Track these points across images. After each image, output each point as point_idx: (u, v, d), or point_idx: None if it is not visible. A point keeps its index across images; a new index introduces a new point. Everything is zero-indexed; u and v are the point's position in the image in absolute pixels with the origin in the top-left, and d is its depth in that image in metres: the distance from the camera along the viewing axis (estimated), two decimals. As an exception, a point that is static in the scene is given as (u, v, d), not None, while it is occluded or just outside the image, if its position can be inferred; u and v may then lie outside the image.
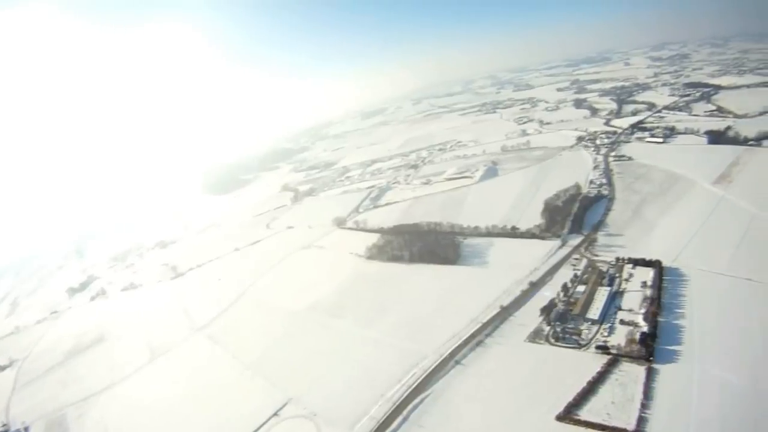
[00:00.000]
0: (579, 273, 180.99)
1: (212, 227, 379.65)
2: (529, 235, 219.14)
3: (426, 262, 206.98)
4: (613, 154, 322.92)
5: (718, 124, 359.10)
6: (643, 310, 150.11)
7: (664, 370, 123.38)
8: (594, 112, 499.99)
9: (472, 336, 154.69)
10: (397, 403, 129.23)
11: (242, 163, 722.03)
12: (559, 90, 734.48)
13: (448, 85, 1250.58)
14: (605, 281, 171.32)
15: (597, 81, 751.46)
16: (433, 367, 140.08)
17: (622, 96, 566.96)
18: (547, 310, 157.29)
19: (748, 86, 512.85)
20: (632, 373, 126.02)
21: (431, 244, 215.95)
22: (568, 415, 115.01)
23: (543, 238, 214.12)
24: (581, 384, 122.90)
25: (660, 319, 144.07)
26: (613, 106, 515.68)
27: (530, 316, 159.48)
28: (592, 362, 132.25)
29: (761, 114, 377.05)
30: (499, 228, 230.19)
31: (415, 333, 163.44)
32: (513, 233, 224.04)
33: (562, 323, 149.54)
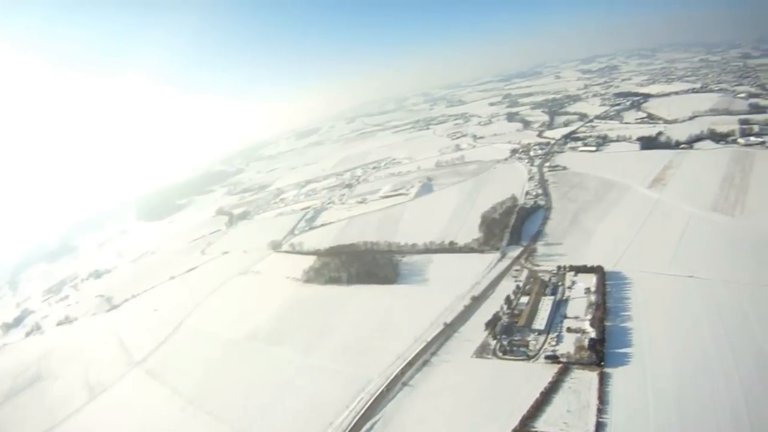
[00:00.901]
0: (521, 284, 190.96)
1: (147, 255, 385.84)
2: (467, 249, 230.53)
3: (365, 282, 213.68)
4: (547, 164, 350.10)
5: (649, 130, 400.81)
6: (589, 317, 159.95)
7: (616, 373, 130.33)
8: (527, 124, 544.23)
9: (418, 356, 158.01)
10: (347, 431, 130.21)
11: (176, 187, 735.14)
12: (491, 104, 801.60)
13: (382, 103, 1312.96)
14: (548, 291, 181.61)
15: (529, 94, 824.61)
16: (380, 390, 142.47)
17: (554, 108, 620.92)
18: (492, 324, 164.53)
19: (677, 93, 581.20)
20: (585, 379, 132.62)
21: (369, 264, 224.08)
22: (524, 428, 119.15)
23: (482, 252, 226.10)
24: (534, 395, 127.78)
25: (607, 323, 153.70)
26: (546, 118, 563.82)
27: (475, 331, 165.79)
28: (542, 373, 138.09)
29: (691, 118, 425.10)
30: (437, 244, 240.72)
31: (359, 357, 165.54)
32: (451, 248, 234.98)
33: (509, 336, 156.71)
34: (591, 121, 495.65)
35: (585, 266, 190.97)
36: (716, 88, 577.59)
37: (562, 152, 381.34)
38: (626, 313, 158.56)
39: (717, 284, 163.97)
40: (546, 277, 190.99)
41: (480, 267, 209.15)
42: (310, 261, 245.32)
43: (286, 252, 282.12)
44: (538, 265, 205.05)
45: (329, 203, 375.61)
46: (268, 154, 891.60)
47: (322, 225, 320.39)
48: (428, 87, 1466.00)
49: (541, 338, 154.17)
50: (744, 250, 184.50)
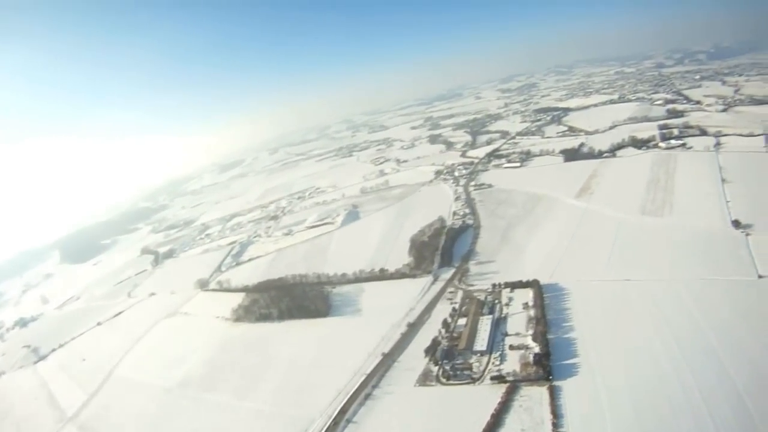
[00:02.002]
0: (457, 306, 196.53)
1: (73, 300, 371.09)
2: (399, 275, 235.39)
3: (296, 317, 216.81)
4: (472, 183, 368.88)
5: (571, 142, 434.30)
6: (530, 332, 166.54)
7: (566, 385, 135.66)
8: (449, 145, 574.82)
9: (359, 389, 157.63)
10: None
11: (100, 226, 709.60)
12: (413, 128, 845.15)
13: (304, 132, 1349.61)
14: (486, 310, 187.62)
15: (450, 116, 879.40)
16: (323, 430, 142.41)
17: (476, 128, 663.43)
18: (431, 350, 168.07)
19: (595, 105, 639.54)
20: (535, 396, 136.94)
21: (299, 298, 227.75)
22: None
23: (414, 277, 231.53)
24: (485, 419, 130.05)
25: (549, 336, 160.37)
26: (468, 138, 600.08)
27: (415, 359, 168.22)
28: (490, 394, 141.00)
29: (611, 128, 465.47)
30: (367, 272, 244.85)
31: (297, 396, 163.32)
32: (382, 276, 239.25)
33: (450, 360, 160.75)
34: (513, 138, 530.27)
35: (520, 281, 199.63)
36: (633, 98, 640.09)
37: (486, 170, 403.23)
38: (568, 324, 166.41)
39: (654, 284, 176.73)
40: (482, 297, 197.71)
41: (413, 292, 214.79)
42: (239, 298, 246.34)
43: (214, 290, 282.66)
44: (472, 285, 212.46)
45: (255, 237, 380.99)
46: (192, 189, 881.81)
47: (249, 260, 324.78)
48: (350, 114, 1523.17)
49: (484, 359, 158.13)
50: (676, 248, 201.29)
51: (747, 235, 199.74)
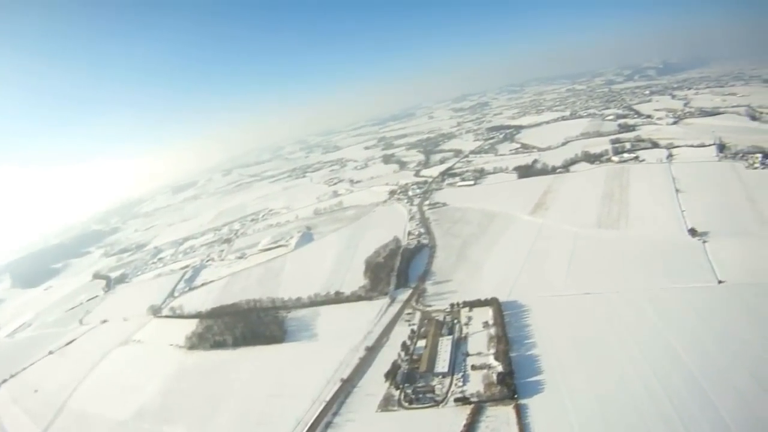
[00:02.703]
0: (416, 328, 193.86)
1: (24, 327, 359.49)
2: (355, 298, 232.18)
3: (251, 344, 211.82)
4: (427, 202, 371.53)
5: (524, 159, 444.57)
6: (492, 351, 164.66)
7: (532, 403, 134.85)
8: (403, 165, 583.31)
9: (319, 418, 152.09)
10: None
11: (51, 250, 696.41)
12: (366, 148, 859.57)
13: (258, 153, 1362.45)
14: (445, 331, 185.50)
15: (403, 136, 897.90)
16: None
17: (429, 147, 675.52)
18: (392, 374, 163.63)
19: (547, 122, 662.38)
20: (501, 416, 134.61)
21: (254, 324, 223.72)
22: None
23: (370, 299, 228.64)
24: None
25: (512, 354, 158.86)
26: (422, 157, 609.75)
27: (376, 384, 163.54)
28: (454, 417, 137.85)
29: (564, 144, 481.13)
30: (322, 296, 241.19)
31: (256, 428, 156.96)
32: (338, 299, 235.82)
33: (412, 384, 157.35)
34: (466, 156, 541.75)
35: (479, 300, 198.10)
36: (585, 114, 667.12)
37: (440, 189, 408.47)
38: (530, 341, 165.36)
39: (614, 296, 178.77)
40: (441, 317, 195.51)
41: (370, 315, 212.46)
42: (192, 325, 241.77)
43: (167, 317, 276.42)
44: (430, 306, 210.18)
45: (208, 260, 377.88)
46: (144, 211, 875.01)
47: (203, 284, 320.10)
48: (304, 135, 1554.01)
49: (447, 381, 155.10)
50: (634, 259, 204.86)
51: (704, 242, 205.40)
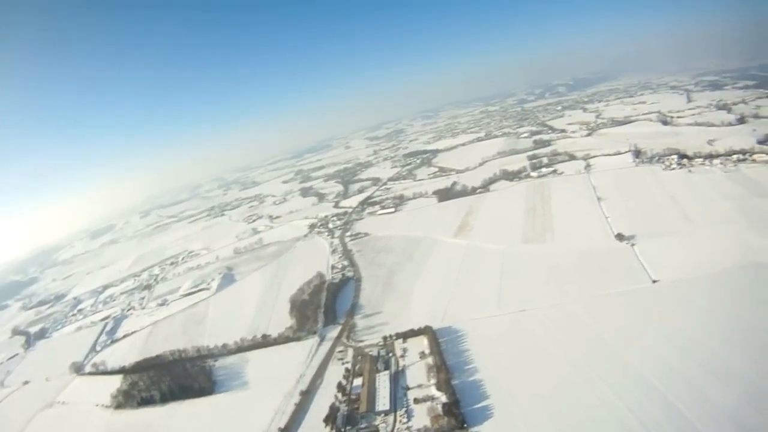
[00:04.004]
0: (350, 366, 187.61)
1: None
2: (283, 339, 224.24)
3: (180, 398, 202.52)
4: (348, 234, 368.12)
5: (444, 182, 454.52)
6: (433, 381, 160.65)
7: (484, 430, 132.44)
8: (322, 197, 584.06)
9: None
10: None
11: None
12: (284, 182, 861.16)
13: (176, 193, 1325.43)
14: (381, 366, 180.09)
15: (321, 167, 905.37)
16: None
17: (347, 177, 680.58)
18: (331, 418, 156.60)
19: (463, 144, 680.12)
20: None
21: (181, 377, 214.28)
22: None
23: (299, 339, 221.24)
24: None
25: (454, 382, 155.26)
26: (340, 188, 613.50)
27: (316, 431, 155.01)
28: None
29: (481, 164, 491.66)
30: (249, 340, 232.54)
31: None
32: (265, 342, 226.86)
33: (354, 426, 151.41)
34: (385, 184, 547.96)
35: (412, 330, 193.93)
36: (500, 134, 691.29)
37: (361, 219, 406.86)
38: (471, 366, 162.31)
39: (550, 310, 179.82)
40: (374, 352, 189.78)
41: (301, 356, 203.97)
42: (117, 382, 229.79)
43: (91, 374, 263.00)
44: (362, 341, 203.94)
45: (129, 310, 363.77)
46: (62, 259, 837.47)
47: (125, 336, 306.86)
48: (221, 171, 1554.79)
49: (390, 419, 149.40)
50: (565, 271, 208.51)
51: (632, 245, 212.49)
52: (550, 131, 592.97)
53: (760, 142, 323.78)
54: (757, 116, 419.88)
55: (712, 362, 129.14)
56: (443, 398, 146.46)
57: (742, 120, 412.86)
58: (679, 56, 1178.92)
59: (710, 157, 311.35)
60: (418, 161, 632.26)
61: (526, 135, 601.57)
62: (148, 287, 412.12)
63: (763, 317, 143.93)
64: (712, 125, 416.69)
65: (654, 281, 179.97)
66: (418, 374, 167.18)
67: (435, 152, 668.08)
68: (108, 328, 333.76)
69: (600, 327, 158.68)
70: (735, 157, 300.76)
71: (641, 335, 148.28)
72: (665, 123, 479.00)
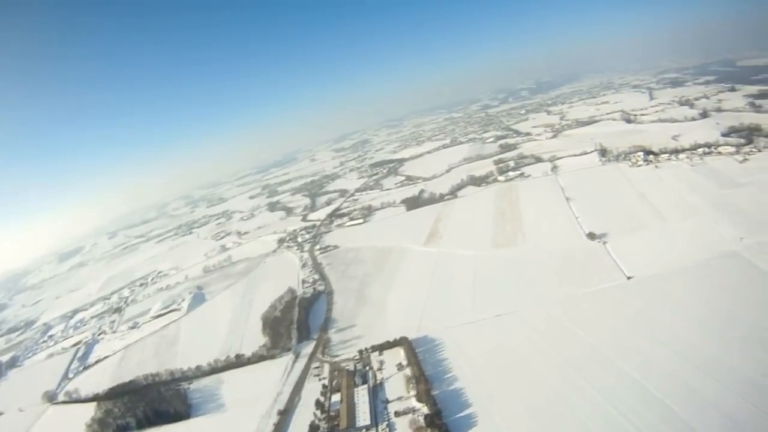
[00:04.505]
0: (327, 382, 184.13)
1: None
2: (257, 358, 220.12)
3: (157, 424, 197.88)
4: (318, 247, 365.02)
5: (411, 190, 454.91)
6: (413, 392, 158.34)
7: None
8: (289, 211, 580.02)
9: None
10: None
11: None
12: (251, 197, 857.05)
13: (143, 212, 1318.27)
14: (359, 380, 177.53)
15: (287, 181, 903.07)
16: None
17: (314, 190, 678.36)
18: None
19: (429, 152, 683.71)
20: None
21: (155, 402, 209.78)
22: None
23: (273, 357, 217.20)
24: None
25: (434, 392, 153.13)
26: (307, 201, 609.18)
27: None
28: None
29: (448, 171, 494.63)
30: (222, 361, 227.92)
31: None
32: (239, 362, 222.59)
33: None
34: (352, 195, 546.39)
35: (388, 342, 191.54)
36: (465, 140, 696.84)
37: (330, 231, 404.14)
38: (450, 375, 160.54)
39: (526, 313, 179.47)
40: (351, 366, 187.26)
41: (276, 375, 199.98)
42: (91, 410, 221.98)
43: (64, 403, 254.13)
44: (337, 356, 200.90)
45: (100, 334, 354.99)
46: (31, 283, 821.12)
47: (97, 362, 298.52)
48: (188, 189, 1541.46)
49: None
50: (539, 272, 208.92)
51: (604, 243, 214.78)
52: (515, 135, 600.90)
53: (724, 135, 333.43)
54: (719, 110, 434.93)
55: (694, 353, 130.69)
56: (425, 409, 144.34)
57: (705, 114, 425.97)
58: (639, 56, 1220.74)
59: (676, 152, 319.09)
60: (384, 171, 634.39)
61: (491, 140, 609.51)
62: (118, 310, 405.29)
63: (740, 306, 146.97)
64: (676, 121, 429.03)
65: (629, 278, 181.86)
66: (397, 386, 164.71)
67: (401, 161, 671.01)
68: (80, 353, 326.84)
69: (577, 327, 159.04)
70: (700, 150, 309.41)
71: (620, 332, 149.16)
72: (629, 121, 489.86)
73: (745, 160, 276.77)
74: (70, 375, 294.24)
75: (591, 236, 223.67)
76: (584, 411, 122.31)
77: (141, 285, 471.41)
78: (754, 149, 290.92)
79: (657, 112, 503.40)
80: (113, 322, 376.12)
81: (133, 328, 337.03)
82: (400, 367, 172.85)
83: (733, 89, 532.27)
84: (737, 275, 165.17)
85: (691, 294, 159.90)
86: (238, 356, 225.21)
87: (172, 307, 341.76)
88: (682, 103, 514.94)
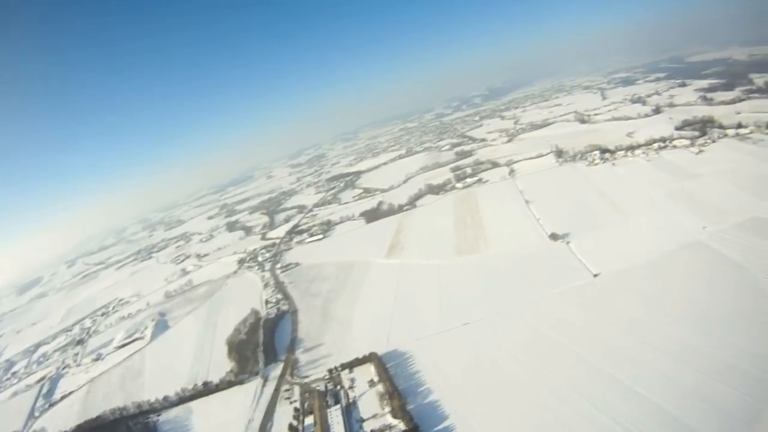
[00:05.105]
0: (299, 404, 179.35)
1: None
2: (225, 384, 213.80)
3: None
4: (279, 266, 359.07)
5: (369, 203, 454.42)
6: (387, 409, 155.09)
7: None
8: (248, 230, 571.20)
9: None
10: None
11: None
12: (210, 218, 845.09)
13: (101, 238, 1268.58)
14: (331, 400, 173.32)
15: (245, 200, 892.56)
16: None
17: (272, 207, 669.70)
18: None
19: (385, 163, 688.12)
20: None
21: None
22: None
23: (242, 383, 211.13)
24: None
25: (410, 407, 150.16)
26: (266, 219, 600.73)
27: None
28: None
29: (405, 181, 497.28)
30: (190, 389, 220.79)
31: None
32: (207, 390, 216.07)
33: None
34: (311, 210, 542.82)
35: (357, 359, 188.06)
36: (421, 149, 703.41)
37: (290, 249, 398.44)
38: (424, 388, 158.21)
39: (495, 319, 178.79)
40: (322, 387, 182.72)
41: (246, 401, 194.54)
42: None
43: None
44: (307, 377, 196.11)
45: (64, 368, 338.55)
46: None
47: (62, 398, 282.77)
48: (145, 211, 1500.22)
49: None
50: (504, 278, 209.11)
51: (568, 243, 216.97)
52: (470, 141, 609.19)
53: (678, 129, 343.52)
54: (671, 105, 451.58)
55: (669, 344, 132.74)
56: (401, 425, 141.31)
57: (658, 110, 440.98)
58: (590, 57, 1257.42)
59: (631, 148, 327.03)
60: (341, 184, 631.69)
61: (447, 148, 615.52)
62: (81, 342, 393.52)
63: (710, 293, 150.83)
64: (630, 118, 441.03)
65: (595, 275, 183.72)
66: (371, 404, 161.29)
67: (358, 174, 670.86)
68: (44, 390, 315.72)
69: (548, 329, 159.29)
70: (656, 145, 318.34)
71: (591, 330, 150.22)
72: (583, 121, 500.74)
73: (701, 151, 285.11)
74: (36, 413, 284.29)
75: (554, 237, 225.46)
76: (564, 413, 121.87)
77: (103, 314, 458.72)
78: (708, 140, 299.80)
79: (610, 111, 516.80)
80: (77, 354, 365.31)
81: (97, 360, 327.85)
82: (371, 383, 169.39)
83: (683, 84, 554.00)
84: (703, 263, 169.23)
85: (660, 286, 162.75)
86: (205, 383, 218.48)
87: (135, 336, 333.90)
88: (634, 101, 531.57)
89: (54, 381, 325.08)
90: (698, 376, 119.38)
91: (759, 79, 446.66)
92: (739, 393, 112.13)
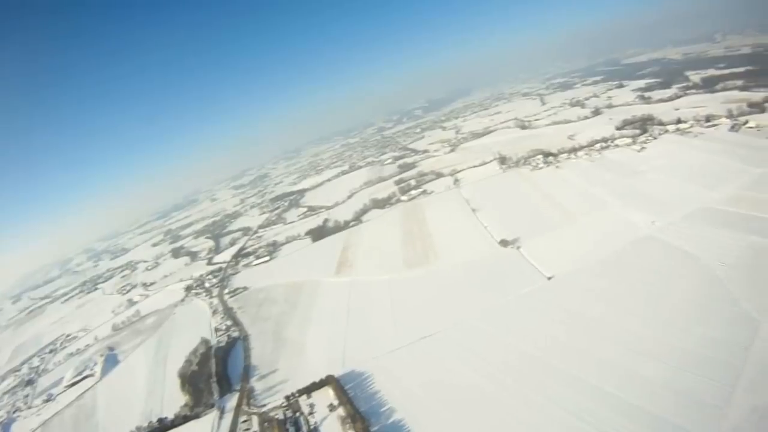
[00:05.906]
0: None
1: None
2: (180, 420, 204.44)
3: None
4: (227, 291, 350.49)
5: (315, 221, 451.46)
6: None
7: None
8: (194, 256, 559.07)
9: None
10: None
11: None
12: (154, 245, 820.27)
13: (45, 271, 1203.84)
14: (291, 428, 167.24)
15: (189, 224, 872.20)
16: None
17: (217, 231, 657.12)
18: None
19: (329, 180, 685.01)
20: None
21: None
22: None
23: (198, 417, 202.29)
24: None
25: (374, 429, 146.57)
26: (211, 243, 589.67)
27: None
28: None
29: (350, 197, 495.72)
30: (145, 427, 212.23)
31: None
32: (163, 426, 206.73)
33: None
34: (256, 232, 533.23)
35: (314, 383, 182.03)
36: (363, 164, 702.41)
37: (237, 273, 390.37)
38: (386, 408, 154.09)
39: (452, 331, 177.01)
40: (280, 415, 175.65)
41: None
42: None
43: None
44: (264, 405, 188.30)
45: (15, 412, 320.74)
46: None
47: None
48: (90, 241, 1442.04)
49: None
50: (457, 288, 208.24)
51: (518, 248, 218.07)
52: (413, 154, 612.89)
53: (618, 128, 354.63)
54: (610, 106, 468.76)
55: (633, 341, 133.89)
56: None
57: (597, 112, 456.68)
58: (527, 65, 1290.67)
59: (574, 150, 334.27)
60: (286, 204, 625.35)
61: (390, 161, 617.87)
62: (30, 382, 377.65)
63: (667, 285, 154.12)
64: (570, 121, 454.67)
65: (549, 278, 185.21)
66: (333, 429, 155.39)
67: (302, 192, 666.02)
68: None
69: (505, 335, 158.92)
70: (598, 146, 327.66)
71: (552, 333, 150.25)
72: (524, 127, 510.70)
73: (643, 148, 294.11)
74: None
75: (503, 243, 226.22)
76: (534, 418, 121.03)
77: (51, 351, 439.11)
78: (649, 137, 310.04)
79: (550, 115, 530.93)
80: (27, 396, 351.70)
81: (48, 401, 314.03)
82: (332, 407, 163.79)
83: (621, 86, 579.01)
84: (656, 257, 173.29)
85: (615, 283, 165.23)
86: (160, 420, 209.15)
87: (85, 373, 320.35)
88: (573, 105, 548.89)
89: (6, 426, 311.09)
90: (665, 368, 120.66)
91: (695, 76, 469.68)
92: (706, 379, 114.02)
